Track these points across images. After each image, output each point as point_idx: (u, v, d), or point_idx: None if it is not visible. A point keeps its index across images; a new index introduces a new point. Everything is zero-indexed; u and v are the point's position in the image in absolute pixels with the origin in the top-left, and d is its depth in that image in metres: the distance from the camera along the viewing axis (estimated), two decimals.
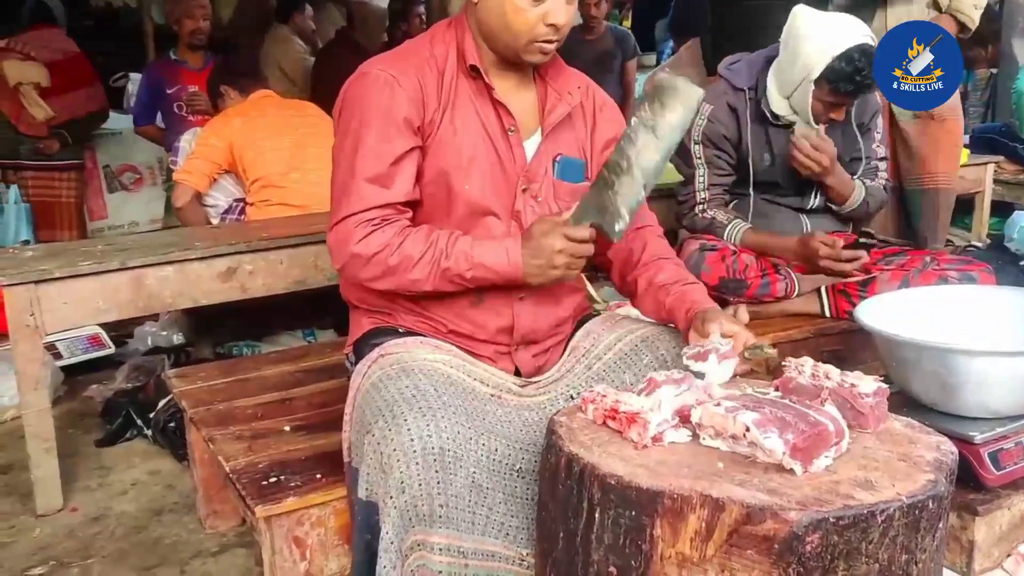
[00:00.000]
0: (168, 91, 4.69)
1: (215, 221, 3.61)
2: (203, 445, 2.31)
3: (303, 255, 2.87)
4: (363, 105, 1.74)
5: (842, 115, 2.63)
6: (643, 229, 1.95)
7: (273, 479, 1.84)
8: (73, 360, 3.51)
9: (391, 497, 1.54)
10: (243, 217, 3.63)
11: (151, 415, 2.92)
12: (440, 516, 1.52)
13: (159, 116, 4.85)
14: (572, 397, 1.74)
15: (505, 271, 1.71)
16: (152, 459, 2.87)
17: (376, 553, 1.58)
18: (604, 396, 1.42)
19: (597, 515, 1.27)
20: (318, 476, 1.85)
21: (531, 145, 1.85)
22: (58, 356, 3.48)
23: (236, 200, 3.61)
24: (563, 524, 1.33)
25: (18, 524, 2.51)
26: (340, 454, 1.76)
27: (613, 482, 1.24)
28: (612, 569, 1.26)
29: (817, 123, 2.64)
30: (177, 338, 3.73)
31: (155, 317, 3.75)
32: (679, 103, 1.53)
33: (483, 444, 1.59)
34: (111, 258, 2.57)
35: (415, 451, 1.52)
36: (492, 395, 1.72)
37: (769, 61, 2.70)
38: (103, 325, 3.58)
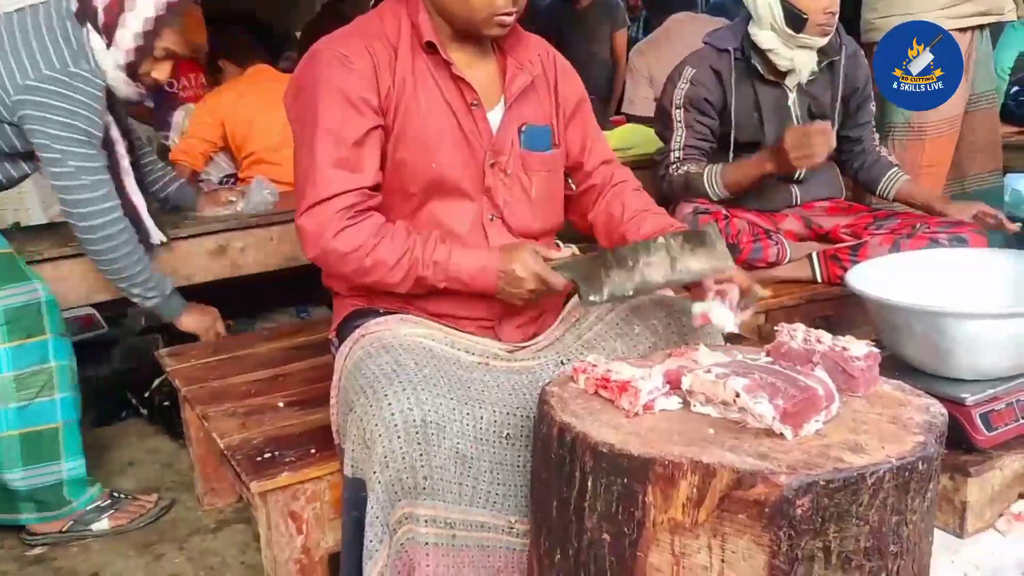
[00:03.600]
0: None
1: None
2: (198, 423, 2.32)
3: (294, 231, 2.85)
4: (317, 87, 1.69)
5: (835, 4, 2.56)
6: (620, 186, 1.96)
7: (268, 455, 1.84)
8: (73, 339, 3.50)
9: (375, 472, 1.55)
10: None
11: (146, 394, 2.92)
12: (425, 488, 1.53)
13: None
14: (563, 363, 1.75)
15: (480, 286, 1.72)
16: (149, 438, 2.88)
17: (363, 530, 1.60)
18: (595, 365, 1.43)
19: (590, 483, 1.27)
20: (312, 451, 1.85)
21: (495, 117, 1.82)
22: None
23: (227, 176, 3.60)
24: (556, 493, 1.34)
25: None
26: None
27: (605, 450, 1.24)
28: (606, 536, 1.27)
29: (821, 34, 2.58)
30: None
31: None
32: (707, 262, 1.62)
33: (468, 413, 1.59)
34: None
35: (397, 425, 1.53)
36: (479, 363, 1.72)
37: (749, 18, 2.69)
38: (95, 305, 3.58)
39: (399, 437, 1.53)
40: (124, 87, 2.34)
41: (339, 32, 1.79)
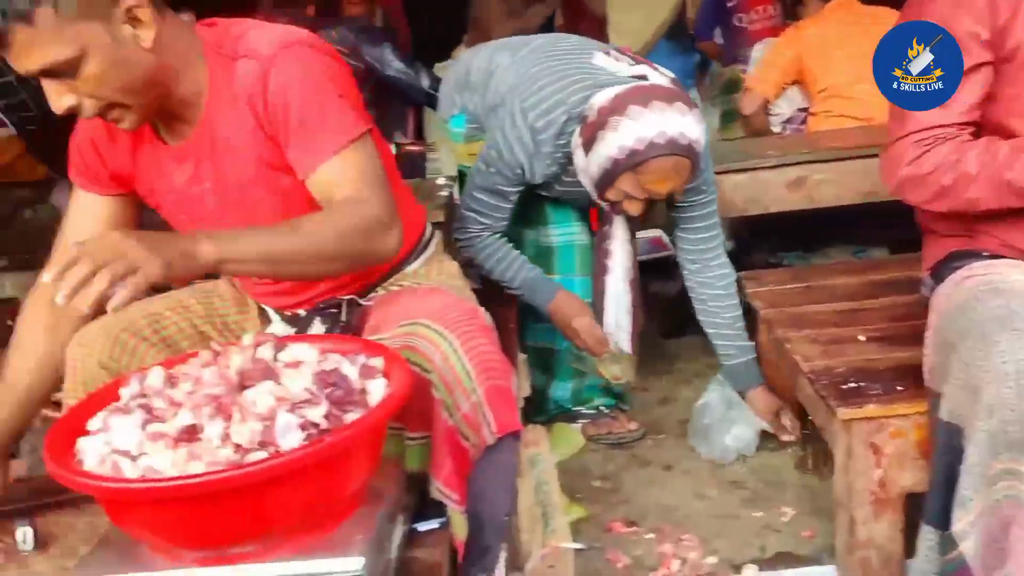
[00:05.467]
0: (728, 4, 4.81)
1: (776, 129, 3.69)
2: (768, 345, 2.43)
3: (874, 167, 2.77)
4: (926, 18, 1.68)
5: None
6: None
7: (852, 384, 1.86)
8: (640, 258, 3.85)
9: (979, 420, 1.48)
10: (803, 127, 3.67)
11: None
12: None
13: (717, 31, 5.02)
14: None
15: None
16: (712, 355, 3.06)
17: (955, 476, 1.55)
18: None
19: None
20: (899, 388, 1.83)
21: None
22: None
23: (799, 109, 3.65)
24: None
25: None
26: (921, 369, 1.73)
27: None
28: None
29: None
30: (728, 244, 3.91)
31: None
32: None
33: None
34: None
35: (1007, 373, 1.44)
36: None
37: None
38: None
39: (1009, 387, 1.45)
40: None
41: None
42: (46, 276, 1.20)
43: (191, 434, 1.17)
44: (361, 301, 1.77)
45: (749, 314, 2.49)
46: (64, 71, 1.33)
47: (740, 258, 3.68)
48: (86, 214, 1.65)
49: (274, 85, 1.45)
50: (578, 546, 2.10)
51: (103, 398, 1.33)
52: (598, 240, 2.43)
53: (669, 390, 2.89)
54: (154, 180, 1.61)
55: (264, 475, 1.14)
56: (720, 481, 2.35)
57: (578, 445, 2.57)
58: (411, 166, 3.70)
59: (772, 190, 2.81)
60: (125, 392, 1.30)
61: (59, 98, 1.37)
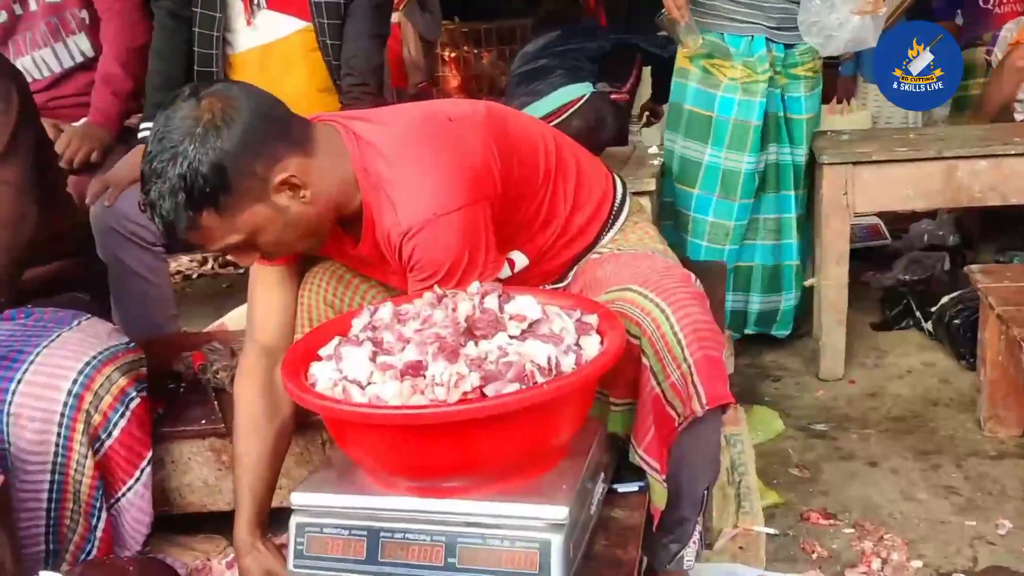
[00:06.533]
0: None
1: (1018, 118, 3.39)
2: (998, 345, 2.26)
3: None
4: None
5: None
6: None
7: None
8: (852, 246, 3.67)
9: None
10: None
11: (932, 309, 2.92)
12: None
13: (958, 13, 4.67)
14: None
15: None
16: (927, 351, 2.89)
17: None
18: None
19: None
20: None
21: None
22: None
23: None
24: None
25: (802, 383, 2.78)
26: None
27: None
28: None
29: None
30: (952, 239, 3.66)
31: (932, 215, 3.72)
32: None
33: None
34: (927, 146, 2.58)
35: None
36: None
37: None
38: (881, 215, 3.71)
39: None
40: None
41: None
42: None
43: (416, 369, 1.21)
44: (559, 285, 1.76)
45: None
46: (242, 247, 1.44)
47: (965, 254, 3.47)
48: (267, 285, 1.68)
49: (405, 253, 1.47)
50: (771, 531, 2.03)
51: (333, 329, 1.40)
52: None
53: (878, 384, 2.73)
54: (345, 260, 1.69)
55: (480, 413, 1.17)
56: (931, 484, 2.21)
57: (776, 430, 2.48)
58: (616, 114, 3.66)
59: (1018, 179, 2.58)
60: (357, 323, 1.36)
61: (246, 259, 1.50)
